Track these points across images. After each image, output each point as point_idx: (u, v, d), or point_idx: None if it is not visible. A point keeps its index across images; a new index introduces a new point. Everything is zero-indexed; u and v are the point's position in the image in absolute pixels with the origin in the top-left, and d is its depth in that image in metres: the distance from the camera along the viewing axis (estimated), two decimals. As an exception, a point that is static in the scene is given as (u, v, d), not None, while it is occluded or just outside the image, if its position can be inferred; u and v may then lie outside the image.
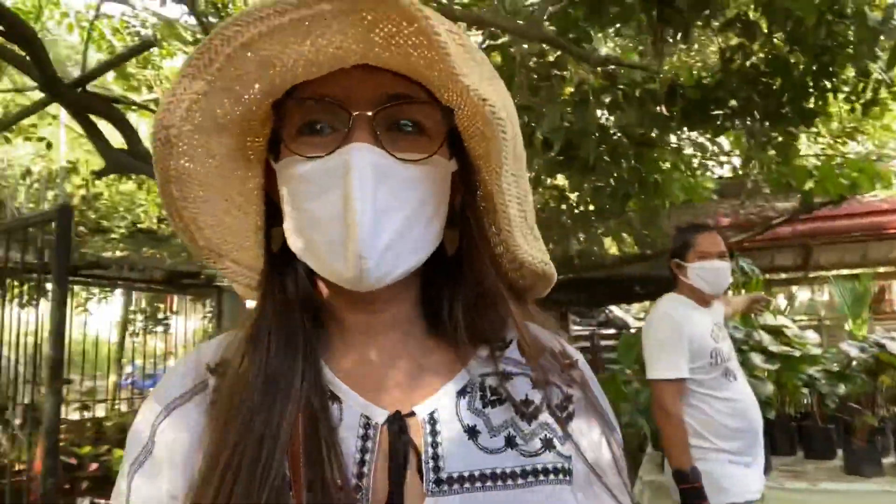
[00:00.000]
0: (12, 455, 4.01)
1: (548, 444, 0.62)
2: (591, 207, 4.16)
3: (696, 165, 5.57)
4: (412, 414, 0.59)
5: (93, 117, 4.05)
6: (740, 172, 5.29)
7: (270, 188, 0.65)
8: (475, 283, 0.64)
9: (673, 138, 4.21)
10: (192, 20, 6.32)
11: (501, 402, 0.62)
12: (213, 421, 0.57)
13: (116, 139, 4.44)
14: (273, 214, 0.65)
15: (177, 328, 10.04)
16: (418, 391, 0.61)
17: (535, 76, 3.38)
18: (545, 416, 0.63)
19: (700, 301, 2.60)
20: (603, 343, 11.17)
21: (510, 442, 0.60)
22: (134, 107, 5.33)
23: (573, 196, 4.53)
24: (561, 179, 4.60)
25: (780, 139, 3.32)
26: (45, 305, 3.28)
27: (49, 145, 7.18)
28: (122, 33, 6.91)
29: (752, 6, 3.08)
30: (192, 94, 0.54)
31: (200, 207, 0.62)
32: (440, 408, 0.60)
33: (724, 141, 4.17)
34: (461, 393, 0.62)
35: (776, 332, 3.37)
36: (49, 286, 3.30)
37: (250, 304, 0.67)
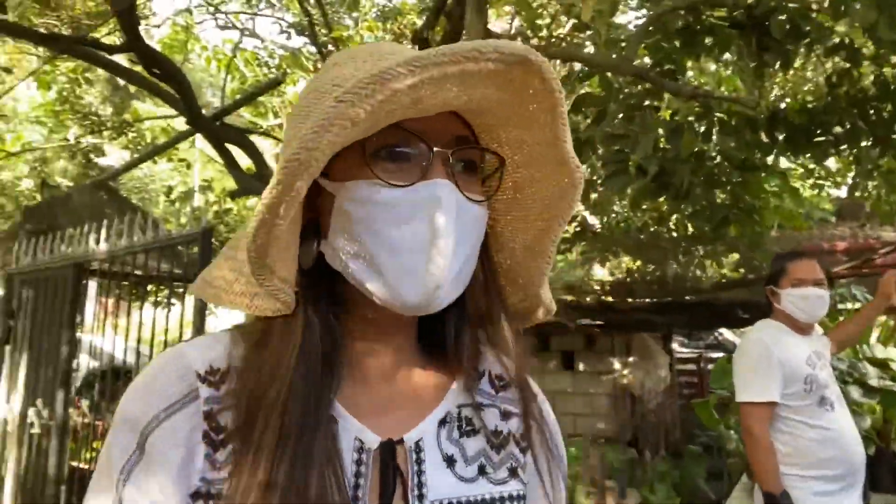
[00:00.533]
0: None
1: (513, 473, 0.68)
2: (690, 231, 4.16)
3: (808, 186, 5.37)
4: (401, 441, 0.63)
5: (227, 145, 4.55)
6: (856, 194, 5.06)
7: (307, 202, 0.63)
8: (475, 316, 0.68)
9: (783, 161, 4.13)
10: (313, 49, 6.89)
11: (475, 433, 0.67)
12: (235, 442, 0.57)
13: (243, 160, 4.96)
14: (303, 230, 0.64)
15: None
16: (407, 418, 0.65)
17: (631, 102, 3.48)
18: (511, 447, 0.69)
19: (796, 328, 2.57)
20: (710, 367, 10.78)
21: (482, 470, 0.66)
22: (261, 132, 5.88)
23: (672, 219, 4.53)
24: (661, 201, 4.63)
25: (888, 166, 3.21)
26: (179, 309, 3.75)
27: (188, 166, 8.02)
28: (253, 64, 7.62)
29: (859, 32, 3.03)
30: (345, 120, 0.52)
31: (286, 226, 0.58)
32: (425, 436, 0.64)
33: (832, 163, 4.04)
34: (442, 423, 0.66)
35: (882, 364, 3.24)
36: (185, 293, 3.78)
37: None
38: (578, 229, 5.66)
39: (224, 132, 4.43)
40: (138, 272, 3.69)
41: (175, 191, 8.10)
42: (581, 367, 8.45)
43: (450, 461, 0.64)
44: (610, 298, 5.39)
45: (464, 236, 0.61)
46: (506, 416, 0.70)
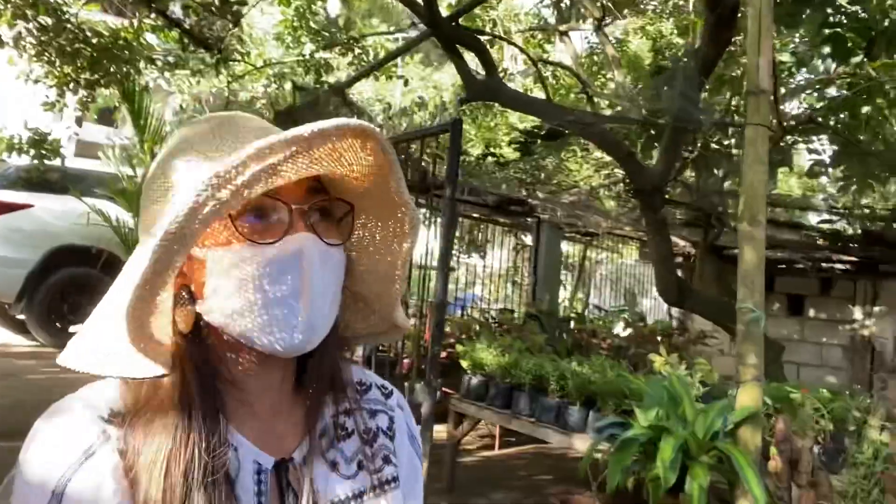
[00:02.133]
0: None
1: (386, 460, 0.81)
2: None
3: None
4: (292, 458, 0.73)
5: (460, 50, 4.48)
6: None
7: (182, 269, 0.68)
8: (337, 346, 0.78)
9: None
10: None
11: (350, 436, 0.78)
12: (142, 476, 0.63)
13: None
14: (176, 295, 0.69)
15: (489, 257, 10.97)
16: (294, 438, 0.75)
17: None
18: (381, 439, 0.82)
19: None
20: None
21: (360, 466, 0.78)
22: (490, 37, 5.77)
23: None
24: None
25: None
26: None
27: (406, 82, 8.23)
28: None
29: None
30: (215, 201, 0.58)
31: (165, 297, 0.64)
32: (310, 450, 0.74)
33: None
34: (322, 435, 0.76)
35: None
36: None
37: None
38: (836, 148, 4.88)
39: (458, 34, 4.37)
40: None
41: (394, 106, 8.40)
42: (812, 312, 7.56)
43: (333, 465, 0.75)
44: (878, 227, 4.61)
45: (329, 279, 0.69)
46: (372, 414, 0.83)
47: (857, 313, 7.16)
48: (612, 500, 3.17)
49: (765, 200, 2.63)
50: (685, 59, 4.29)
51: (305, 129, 0.61)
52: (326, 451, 0.76)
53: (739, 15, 3.92)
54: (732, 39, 4.38)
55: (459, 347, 4.68)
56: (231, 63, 7.27)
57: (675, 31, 8.04)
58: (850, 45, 3.52)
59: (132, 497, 0.63)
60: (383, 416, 0.84)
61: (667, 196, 5.21)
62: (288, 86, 8.76)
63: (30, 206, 6.71)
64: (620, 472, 2.55)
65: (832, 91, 5.16)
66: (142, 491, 0.62)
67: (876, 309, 7.03)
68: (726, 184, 5.29)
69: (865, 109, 4.58)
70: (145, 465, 0.63)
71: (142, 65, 6.44)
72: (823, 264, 7.05)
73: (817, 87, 4.90)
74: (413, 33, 6.47)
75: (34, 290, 6.66)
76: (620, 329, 5.43)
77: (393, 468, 0.81)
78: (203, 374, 0.68)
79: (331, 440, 0.77)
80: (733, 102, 5.04)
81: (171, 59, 6.78)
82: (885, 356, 6.82)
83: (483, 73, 4.69)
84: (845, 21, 3.51)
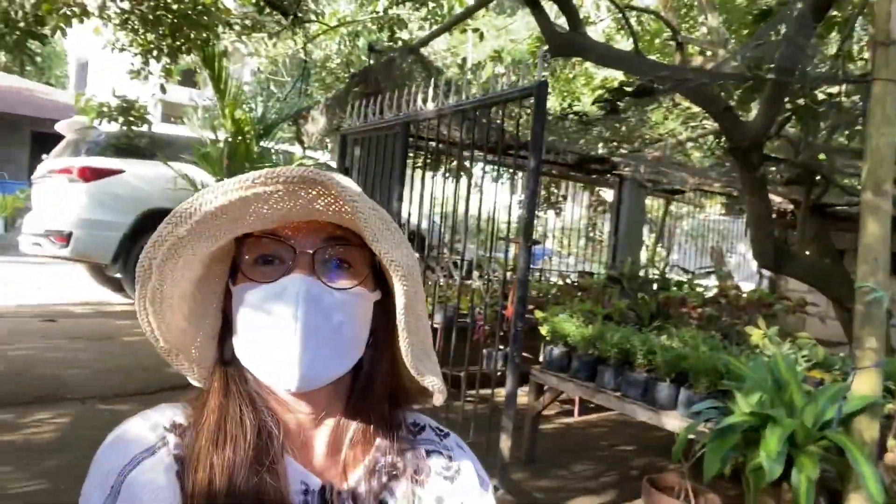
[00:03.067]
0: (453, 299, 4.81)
1: (439, 502, 0.81)
2: None
3: None
4: (340, 489, 0.76)
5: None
6: None
7: (226, 306, 0.80)
8: (383, 387, 0.81)
9: None
10: None
11: (400, 476, 0.79)
12: (193, 481, 0.70)
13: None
14: (226, 327, 0.80)
15: (567, 212, 10.70)
16: (344, 468, 0.78)
17: None
18: (434, 479, 0.82)
19: None
20: None
21: None
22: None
23: None
24: None
25: None
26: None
27: (481, 36, 7.95)
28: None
29: None
30: (174, 237, 0.69)
31: (166, 318, 0.75)
32: (359, 484, 0.77)
33: None
34: (372, 472, 0.78)
35: None
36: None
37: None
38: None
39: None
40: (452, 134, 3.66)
41: (468, 61, 8.15)
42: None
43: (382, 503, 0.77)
44: None
45: (323, 320, 0.71)
46: (426, 455, 0.83)
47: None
48: (701, 478, 3.03)
49: (892, 166, 2.34)
50: (793, 1, 3.86)
51: (253, 175, 0.68)
52: (376, 488, 0.78)
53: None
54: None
55: (538, 313, 4.57)
56: (306, 24, 7.22)
57: (774, -33, 7.32)
58: None
59: (182, 500, 0.69)
60: (438, 456, 0.85)
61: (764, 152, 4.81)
62: (361, 42, 8.66)
63: (121, 171, 6.98)
64: (719, 460, 2.40)
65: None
66: (192, 496, 0.69)
67: None
68: (833, 137, 4.83)
69: None
70: (197, 474, 0.70)
71: (220, 29, 6.48)
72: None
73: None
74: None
75: (128, 252, 6.99)
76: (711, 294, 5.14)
77: None
78: (245, 398, 0.76)
79: (381, 477, 0.78)
80: (845, 47, 4.54)
81: (248, 22, 6.79)
82: None
83: (564, 21, 4.43)
84: None
